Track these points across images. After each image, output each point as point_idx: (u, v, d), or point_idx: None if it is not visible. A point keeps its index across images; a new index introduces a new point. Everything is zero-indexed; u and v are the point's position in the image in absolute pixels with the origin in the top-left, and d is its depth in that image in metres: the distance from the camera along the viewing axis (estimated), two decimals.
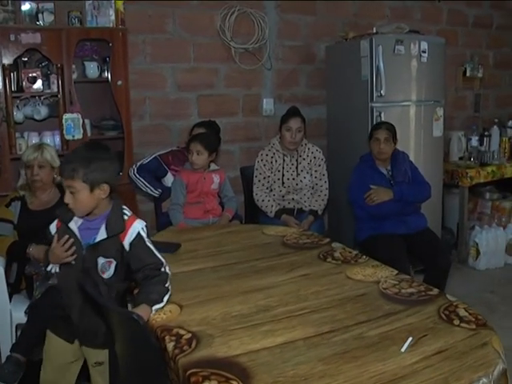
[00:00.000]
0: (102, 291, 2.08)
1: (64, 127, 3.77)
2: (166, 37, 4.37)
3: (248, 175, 4.03)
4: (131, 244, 2.06)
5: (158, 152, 3.87)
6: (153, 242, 2.09)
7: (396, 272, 2.34)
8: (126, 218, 2.10)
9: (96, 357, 2.21)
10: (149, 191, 3.76)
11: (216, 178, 3.48)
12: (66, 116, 3.77)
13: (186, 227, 3.26)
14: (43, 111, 3.86)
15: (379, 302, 2.03)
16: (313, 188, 3.84)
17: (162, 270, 2.08)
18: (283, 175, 3.78)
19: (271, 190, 3.82)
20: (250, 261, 2.52)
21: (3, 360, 2.85)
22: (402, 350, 1.66)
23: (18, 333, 2.94)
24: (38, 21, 3.73)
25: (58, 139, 3.87)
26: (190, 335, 1.77)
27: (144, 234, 2.09)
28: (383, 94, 4.18)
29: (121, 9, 3.90)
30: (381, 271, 2.35)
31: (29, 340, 2.72)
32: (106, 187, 2.05)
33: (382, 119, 4.11)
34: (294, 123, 3.72)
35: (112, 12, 3.88)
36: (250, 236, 2.96)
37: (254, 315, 1.93)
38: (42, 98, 3.87)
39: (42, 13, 3.72)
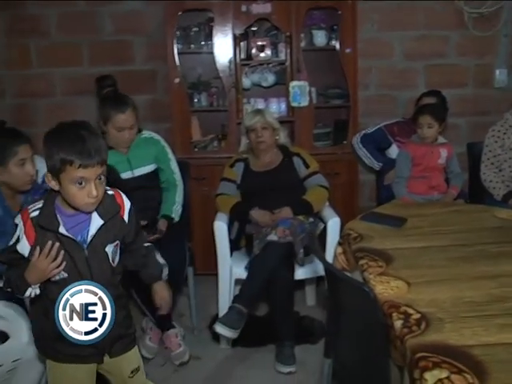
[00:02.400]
0: (114, 282, 1.85)
1: (290, 94, 3.90)
2: (396, 2, 4.24)
3: (475, 152, 3.73)
4: (129, 216, 1.86)
5: (384, 122, 3.79)
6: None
7: None
8: (111, 193, 1.83)
9: (129, 365, 1.94)
10: (369, 163, 3.72)
11: (443, 153, 3.29)
12: (293, 83, 3.89)
13: (410, 202, 3.16)
14: (270, 78, 4.03)
15: None
16: None
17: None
18: None
19: (500, 170, 3.49)
20: (479, 244, 2.33)
21: (221, 312, 3.06)
22: None
23: (236, 287, 3.14)
24: None
25: (283, 106, 4.03)
26: (419, 315, 1.70)
27: None
28: None
29: None
30: None
31: (250, 292, 2.89)
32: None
33: None
34: None
35: None
36: (479, 217, 2.74)
37: (487, 305, 1.78)
38: (270, 65, 4.04)
39: None
